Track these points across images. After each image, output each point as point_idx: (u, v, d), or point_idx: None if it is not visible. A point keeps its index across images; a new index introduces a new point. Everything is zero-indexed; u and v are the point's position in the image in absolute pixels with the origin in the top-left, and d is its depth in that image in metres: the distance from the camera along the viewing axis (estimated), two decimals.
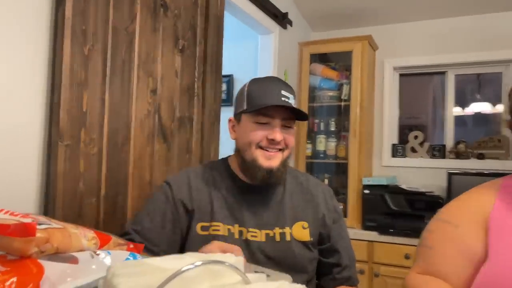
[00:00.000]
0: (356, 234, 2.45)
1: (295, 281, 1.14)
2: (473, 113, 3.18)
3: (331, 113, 2.88)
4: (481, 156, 2.67)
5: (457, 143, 2.81)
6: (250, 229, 1.13)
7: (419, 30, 2.89)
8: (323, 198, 1.23)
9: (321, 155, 2.84)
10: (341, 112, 2.82)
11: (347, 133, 2.72)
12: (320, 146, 2.85)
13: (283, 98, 1.12)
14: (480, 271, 0.87)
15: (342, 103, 2.79)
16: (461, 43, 2.73)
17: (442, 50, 2.81)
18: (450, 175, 2.50)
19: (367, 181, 2.59)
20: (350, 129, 2.68)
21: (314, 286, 1.21)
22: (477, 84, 3.25)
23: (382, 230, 2.40)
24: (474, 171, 2.56)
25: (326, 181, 2.89)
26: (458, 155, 2.75)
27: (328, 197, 1.25)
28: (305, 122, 2.78)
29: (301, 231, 1.17)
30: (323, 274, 1.22)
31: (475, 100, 3.21)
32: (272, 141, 1.11)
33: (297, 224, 1.17)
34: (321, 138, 2.85)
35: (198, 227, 1.11)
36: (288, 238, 1.15)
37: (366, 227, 2.51)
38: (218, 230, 1.11)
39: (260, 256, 1.11)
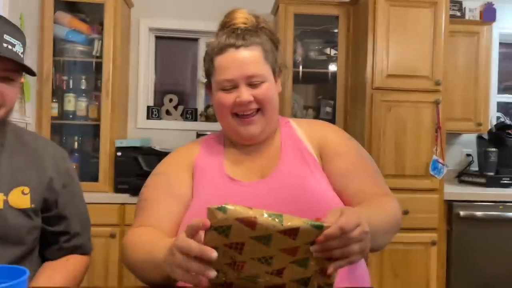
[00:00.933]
0: (108, 198, 2.37)
1: (7, 254, 0.99)
2: None
3: (82, 70, 2.64)
4: None
5: (207, 107, 3.02)
6: None
7: None
8: (52, 160, 1.10)
9: (70, 116, 2.59)
10: (93, 70, 2.62)
11: (99, 93, 2.55)
12: (69, 106, 2.59)
13: (5, 44, 0.94)
14: (186, 212, 0.97)
15: (94, 60, 2.59)
16: (212, 11, 2.90)
17: (194, 16, 2.93)
18: (199, 135, 2.66)
19: (120, 143, 2.51)
20: (102, 88, 2.51)
21: (36, 258, 1.08)
22: None
23: (134, 192, 2.38)
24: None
25: (76, 144, 2.67)
26: (208, 118, 2.98)
27: (60, 159, 1.12)
28: (49, 78, 2.46)
29: (19, 197, 1.02)
30: (49, 244, 1.10)
31: None
32: None
33: (16, 189, 1.02)
34: (70, 97, 2.59)
35: None
36: (0, 205, 0.98)
37: (117, 190, 2.45)
38: None
39: None
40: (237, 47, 0.98)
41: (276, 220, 0.65)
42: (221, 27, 1.06)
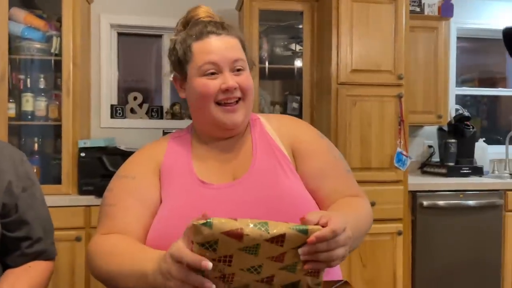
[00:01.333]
0: (72, 201, 2.29)
1: None
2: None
3: (40, 68, 2.53)
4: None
5: (172, 104, 2.98)
6: None
7: None
8: (10, 163, 1.04)
9: (29, 117, 2.48)
10: (52, 68, 2.51)
11: (60, 92, 2.45)
12: (27, 106, 2.47)
13: None
14: (155, 217, 0.93)
15: (53, 58, 2.48)
16: (176, 8, 2.85)
17: (157, 12, 2.87)
18: (165, 133, 2.62)
19: (83, 143, 2.43)
20: (62, 87, 2.42)
21: None
22: None
23: (100, 194, 2.30)
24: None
25: (36, 145, 2.56)
26: (174, 116, 2.93)
27: (18, 161, 1.07)
28: (5, 77, 2.34)
29: None
30: (10, 251, 1.05)
31: None
32: None
33: None
34: (28, 97, 2.47)
35: None
36: None
37: (82, 192, 2.37)
38: None
39: None
40: (219, 34, 0.96)
41: (262, 229, 0.65)
42: (183, 23, 1.03)
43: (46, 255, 1.09)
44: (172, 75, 1.05)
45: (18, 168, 1.06)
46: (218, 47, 0.95)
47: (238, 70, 0.96)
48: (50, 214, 1.14)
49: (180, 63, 0.99)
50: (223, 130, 1.00)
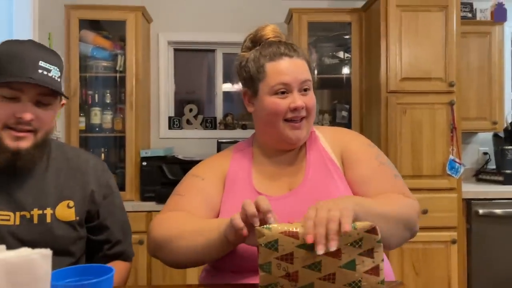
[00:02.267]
0: (135, 206, 2.47)
1: (55, 264, 1.08)
2: (239, 89, 3.57)
3: (106, 84, 2.76)
4: (244, 127, 3.06)
5: (225, 115, 3.12)
6: (1, 213, 1.01)
7: (192, 5, 3.02)
8: (94, 173, 1.18)
9: (97, 129, 2.71)
10: (117, 84, 2.73)
11: (124, 106, 2.66)
12: (95, 119, 2.71)
13: (40, 71, 0.98)
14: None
15: (118, 75, 2.70)
16: (228, 23, 3.00)
17: (211, 28, 3.03)
18: (220, 143, 2.76)
19: (145, 153, 2.61)
20: (126, 101, 2.63)
21: None
22: None
23: (160, 200, 2.48)
24: (239, 139, 2.90)
25: (103, 155, 2.78)
26: (226, 126, 3.07)
27: (100, 171, 1.20)
28: (76, 93, 2.59)
29: (65, 211, 1.10)
30: (94, 252, 1.19)
31: None
32: (20, 120, 0.97)
33: (62, 203, 1.10)
34: (96, 111, 2.71)
35: None
36: (48, 219, 1.06)
37: (144, 198, 2.55)
38: None
39: (11, 241, 1.01)
40: (291, 56, 1.05)
41: None
42: (252, 40, 1.12)
43: (125, 256, 1.22)
44: (242, 90, 1.14)
45: (100, 178, 1.19)
46: (290, 69, 1.03)
47: (305, 90, 1.05)
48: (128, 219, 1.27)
49: (252, 80, 1.07)
50: (288, 144, 1.08)
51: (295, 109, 1.02)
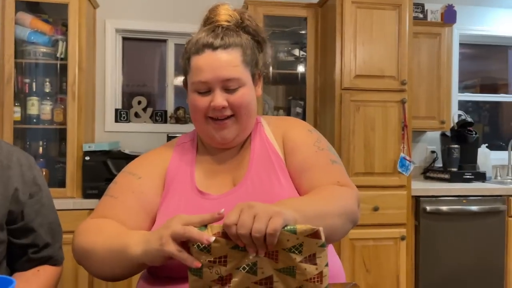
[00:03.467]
0: (76, 204, 2.30)
1: None
2: None
3: (46, 72, 2.55)
4: None
5: (176, 109, 2.99)
6: None
7: None
8: (18, 169, 1.04)
9: (34, 120, 2.49)
10: (58, 72, 2.53)
11: (65, 96, 2.47)
12: (33, 110, 2.49)
13: None
14: (155, 222, 0.94)
15: (59, 62, 2.50)
16: (180, 12, 2.87)
17: (162, 17, 2.89)
18: (170, 138, 2.63)
19: (88, 147, 2.44)
20: (68, 91, 2.43)
21: (4, 270, 1.03)
22: None
23: None
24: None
25: (41, 149, 2.57)
26: (178, 120, 2.94)
27: (26, 167, 1.06)
28: (10, 80, 2.36)
29: None
30: (17, 256, 1.05)
31: None
32: None
33: None
34: (33, 101, 2.49)
35: None
36: None
37: (86, 195, 2.38)
38: None
39: None
40: (215, 48, 0.94)
41: None
42: (203, 22, 1.02)
43: (54, 261, 1.09)
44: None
45: (26, 174, 1.05)
46: (210, 66, 0.93)
47: (231, 89, 0.95)
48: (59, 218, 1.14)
49: (184, 72, 1.01)
50: (218, 143, 1.00)
51: (214, 109, 0.94)
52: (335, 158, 1.01)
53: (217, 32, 0.96)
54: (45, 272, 1.06)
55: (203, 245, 0.68)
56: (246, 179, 0.97)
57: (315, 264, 0.69)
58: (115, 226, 0.89)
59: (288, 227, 0.67)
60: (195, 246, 0.68)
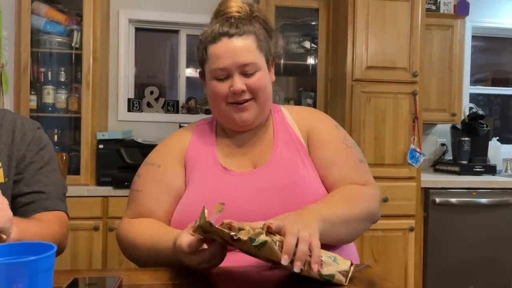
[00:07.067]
0: (90, 191, 2.35)
1: None
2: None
3: (61, 61, 2.59)
4: (208, 111, 2.97)
5: (188, 99, 3.02)
6: None
7: None
8: (21, 132, 1.07)
9: (50, 109, 2.54)
10: (72, 62, 2.57)
11: (80, 85, 2.51)
12: (48, 99, 2.54)
13: None
14: (180, 201, 1.00)
15: (73, 52, 2.54)
16: (192, 3, 2.89)
17: (174, 8, 2.91)
18: (180, 127, 2.67)
19: (101, 135, 2.48)
20: (82, 80, 2.48)
21: None
22: None
23: (117, 185, 2.37)
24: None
25: (56, 137, 2.62)
26: (189, 110, 2.97)
27: (29, 130, 1.08)
28: (27, 70, 2.41)
29: None
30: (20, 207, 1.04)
31: None
32: None
33: None
34: (49, 90, 2.54)
35: None
36: None
37: (100, 183, 2.42)
38: None
39: None
40: (230, 36, 0.99)
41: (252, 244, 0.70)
42: (214, 15, 1.06)
43: (55, 207, 1.06)
44: (199, 70, 1.10)
45: (27, 134, 1.07)
46: (228, 52, 0.98)
47: (249, 73, 0.99)
48: (63, 179, 1.15)
49: (201, 62, 1.05)
50: (237, 126, 1.05)
51: (234, 93, 0.99)
52: (362, 158, 1.07)
53: (231, 21, 1.01)
54: (47, 217, 1.02)
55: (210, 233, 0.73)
56: (272, 159, 1.02)
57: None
58: (154, 227, 0.98)
59: (326, 273, 0.75)
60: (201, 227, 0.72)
